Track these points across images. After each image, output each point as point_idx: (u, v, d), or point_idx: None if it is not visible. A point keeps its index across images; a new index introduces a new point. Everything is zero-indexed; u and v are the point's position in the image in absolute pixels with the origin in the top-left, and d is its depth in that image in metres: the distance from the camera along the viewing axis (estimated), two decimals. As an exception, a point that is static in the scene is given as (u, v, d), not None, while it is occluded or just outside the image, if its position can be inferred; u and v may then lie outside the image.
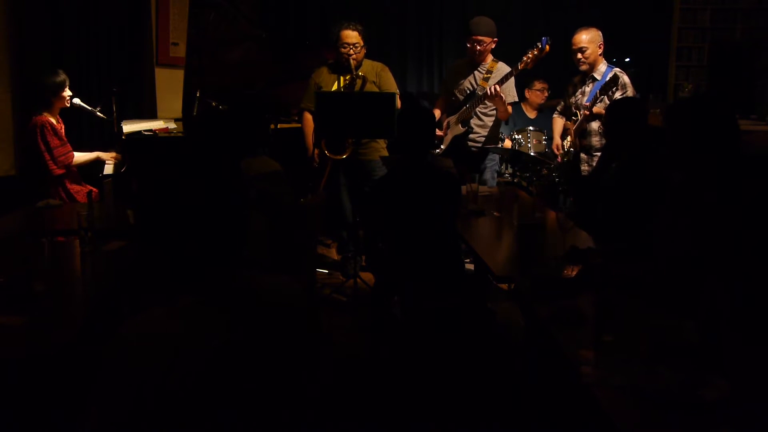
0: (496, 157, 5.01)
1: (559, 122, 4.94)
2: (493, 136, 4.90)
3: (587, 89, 4.59)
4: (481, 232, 3.48)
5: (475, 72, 4.80)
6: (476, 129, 4.83)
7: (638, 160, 3.17)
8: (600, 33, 4.55)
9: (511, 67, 4.60)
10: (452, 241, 3.30)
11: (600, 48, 4.53)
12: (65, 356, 2.01)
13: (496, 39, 4.72)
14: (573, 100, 4.72)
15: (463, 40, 4.90)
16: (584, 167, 4.55)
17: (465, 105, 4.78)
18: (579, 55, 4.53)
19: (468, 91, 4.81)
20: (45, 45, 5.15)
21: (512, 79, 4.66)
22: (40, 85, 4.27)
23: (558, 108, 4.95)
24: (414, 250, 3.15)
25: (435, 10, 6.72)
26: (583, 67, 4.56)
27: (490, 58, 4.78)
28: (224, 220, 1.35)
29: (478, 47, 4.66)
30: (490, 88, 4.52)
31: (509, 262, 2.95)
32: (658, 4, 6.73)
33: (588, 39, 4.51)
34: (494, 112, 4.80)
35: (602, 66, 4.55)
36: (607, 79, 4.40)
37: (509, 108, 4.71)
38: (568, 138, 4.82)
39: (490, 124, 4.84)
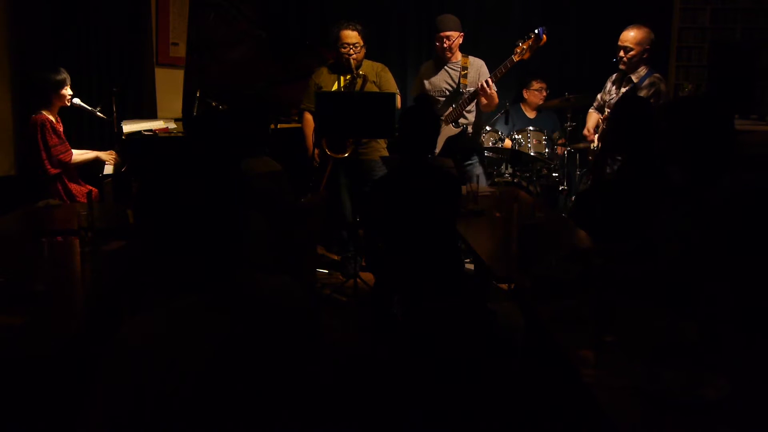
0: (476, 159, 4.98)
1: (594, 116, 4.77)
2: (477, 130, 4.94)
3: (623, 90, 4.39)
4: (481, 232, 3.48)
5: (449, 71, 4.80)
6: (467, 128, 4.85)
7: (639, 159, 3.17)
8: (651, 36, 4.29)
9: (505, 60, 4.59)
10: (452, 241, 3.30)
11: (646, 52, 4.28)
12: (65, 356, 2.01)
13: (462, 33, 4.76)
14: (607, 98, 4.56)
15: (463, 40, 4.90)
16: (608, 170, 4.45)
17: (451, 105, 4.77)
18: (621, 54, 4.29)
19: (448, 92, 4.81)
20: (45, 45, 5.14)
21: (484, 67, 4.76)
22: (41, 81, 4.27)
23: (594, 104, 4.81)
24: (414, 250, 3.15)
25: (435, 10, 6.71)
26: (622, 67, 4.35)
27: (459, 54, 4.79)
28: (224, 220, 1.35)
29: (447, 42, 4.69)
30: (481, 83, 4.52)
31: (509, 262, 2.94)
32: (658, 4, 6.72)
33: (635, 39, 4.26)
34: (474, 108, 4.81)
35: (643, 69, 4.32)
36: (644, 85, 4.25)
37: (496, 97, 4.71)
38: (596, 137, 4.75)
39: (473, 119, 4.86)
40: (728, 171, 2.21)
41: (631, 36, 4.29)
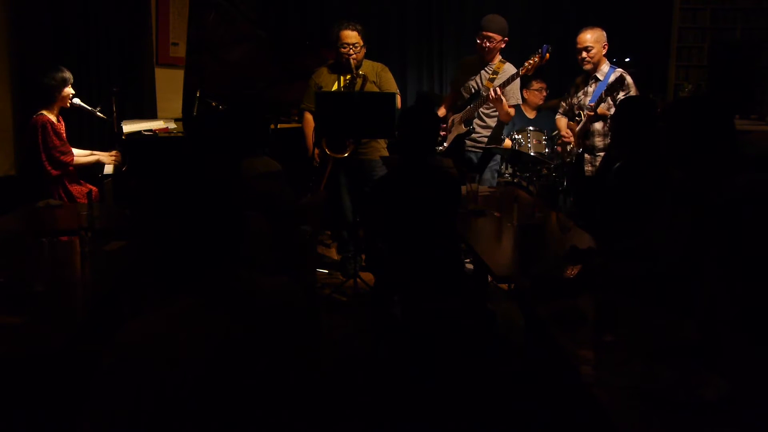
0: (498, 157, 5.01)
1: (563, 121, 4.85)
2: (496, 136, 4.90)
3: (590, 89, 4.56)
4: (481, 232, 3.48)
5: (483, 71, 4.80)
6: (479, 129, 4.84)
7: (640, 159, 3.17)
8: (604, 33, 4.54)
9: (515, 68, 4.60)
10: (452, 241, 3.30)
11: (604, 48, 4.51)
12: (65, 356, 2.01)
13: (506, 39, 4.72)
14: (575, 100, 4.68)
15: (463, 40, 4.91)
16: (588, 167, 4.52)
17: (469, 104, 4.78)
18: (584, 54, 4.50)
19: (473, 91, 4.82)
20: (45, 45, 5.15)
21: (517, 81, 4.68)
22: (44, 80, 4.26)
23: (560, 110, 4.89)
24: (414, 250, 3.15)
25: (435, 10, 6.72)
26: (587, 67, 4.53)
27: (498, 58, 4.78)
28: (224, 221, 1.35)
29: (487, 44, 4.66)
30: (491, 91, 4.52)
31: (509, 262, 2.94)
32: (658, 4, 6.73)
33: (593, 38, 4.49)
34: (497, 113, 4.81)
35: (605, 66, 4.52)
36: (611, 79, 4.39)
37: (511, 111, 4.71)
38: (572, 138, 4.78)
39: (493, 125, 4.84)
40: (728, 171, 2.21)
41: (588, 37, 4.51)
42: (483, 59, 4.77)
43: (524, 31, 6.57)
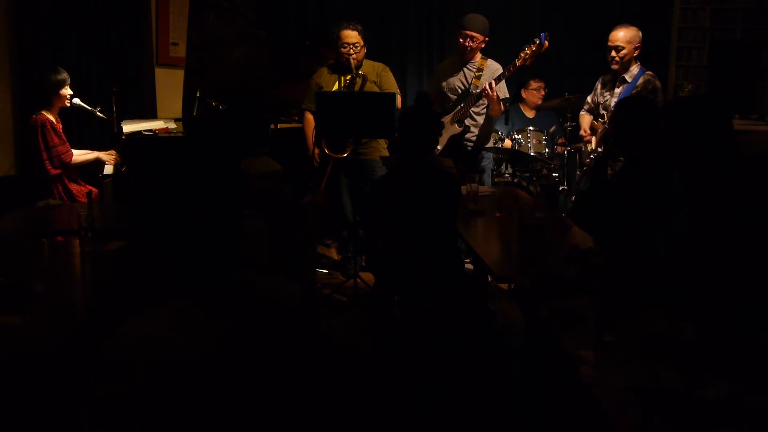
0: (490, 155, 5.00)
1: (587, 118, 4.73)
2: (486, 134, 4.89)
3: (617, 91, 4.39)
4: (481, 232, 3.48)
5: (465, 70, 4.79)
6: (471, 129, 4.84)
7: (641, 159, 3.16)
8: (640, 33, 4.34)
9: (508, 64, 4.59)
10: (452, 241, 3.30)
11: (636, 50, 4.32)
12: (65, 356, 2.01)
13: (487, 38, 4.71)
14: (601, 99, 4.55)
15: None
16: (609, 171, 4.43)
17: (459, 104, 4.78)
18: (613, 53, 4.32)
19: (460, 90, 4.81)
20: (45, 45, 5.14)
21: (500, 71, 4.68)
22: (41, 82, 4.27)
23: (585, 107, 4.79)
24: (414, 250, 3.15)
25: (435, 9, 6.72)
26: (614, 67, 4.36)
27: (479, 55, 4.77)
28: (223, 221, 1.35)
29: (470, 43, 4.66)
30: (485, 86, 4.51)
31: (509, 262, 2.94)
32: (658, 4, 6.73)
33: (625, 38, 4.30)
34: (485, 110, 4.80)
35: (635, 68, 4.35)
36: (639, 83, 4.25)
37: (502, 105, 4.71)
38: (594, 138, 4.68)
39: (481, 122, 4.84)
40: (728, 171, 2.21)
41: (621, 35, 4.32)
42: (463, 59, 4.76)
43: (523, 31, 6.56)
